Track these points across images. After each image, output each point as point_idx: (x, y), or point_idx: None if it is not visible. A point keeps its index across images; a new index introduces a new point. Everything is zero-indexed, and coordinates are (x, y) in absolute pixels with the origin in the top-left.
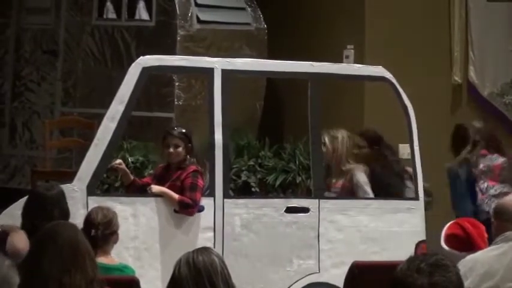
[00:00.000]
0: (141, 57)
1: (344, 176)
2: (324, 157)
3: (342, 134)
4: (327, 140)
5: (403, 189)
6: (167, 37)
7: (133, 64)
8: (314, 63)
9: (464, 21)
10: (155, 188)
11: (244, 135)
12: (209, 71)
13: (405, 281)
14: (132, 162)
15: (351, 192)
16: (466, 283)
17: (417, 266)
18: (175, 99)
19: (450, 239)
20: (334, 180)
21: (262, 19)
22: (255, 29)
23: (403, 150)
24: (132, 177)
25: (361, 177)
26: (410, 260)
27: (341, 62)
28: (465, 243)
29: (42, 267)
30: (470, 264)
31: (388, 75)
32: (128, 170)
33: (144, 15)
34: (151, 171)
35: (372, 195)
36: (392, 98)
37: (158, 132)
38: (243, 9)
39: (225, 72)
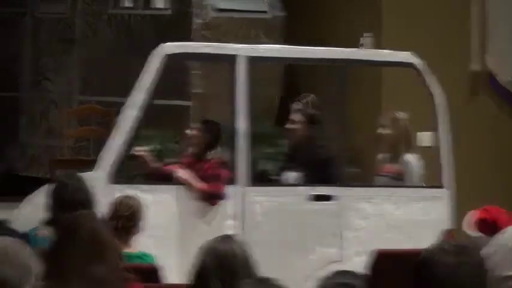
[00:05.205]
0: (163, 44)
1: (397, 160)
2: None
3: (403, 117)
4: (387, 122)
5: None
6: (183, 25)
7: (155, 51)
8: (340, 49)
9: (483, 8)
10: (180, 172)
11: (262, 124)
12: (232, 58)
13: (431, 259)
14: (150, 150)
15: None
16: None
17: (442, 247)
18: (193, 88)
19: (478, 224)
20: (389, 165)
21: (278, 7)
22: (271, 16)
23: (422, 138)
24: (158, 164)
25: (416, 166)
26: (435, 243)
27: None
28: (491, 228)
29: (64, 259)
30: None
31: (416, 61)
32: (152, 158)
33: (160, 4)
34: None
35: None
36: (412, 86)
37: (175, 121)
38: None
39: (249, 59)
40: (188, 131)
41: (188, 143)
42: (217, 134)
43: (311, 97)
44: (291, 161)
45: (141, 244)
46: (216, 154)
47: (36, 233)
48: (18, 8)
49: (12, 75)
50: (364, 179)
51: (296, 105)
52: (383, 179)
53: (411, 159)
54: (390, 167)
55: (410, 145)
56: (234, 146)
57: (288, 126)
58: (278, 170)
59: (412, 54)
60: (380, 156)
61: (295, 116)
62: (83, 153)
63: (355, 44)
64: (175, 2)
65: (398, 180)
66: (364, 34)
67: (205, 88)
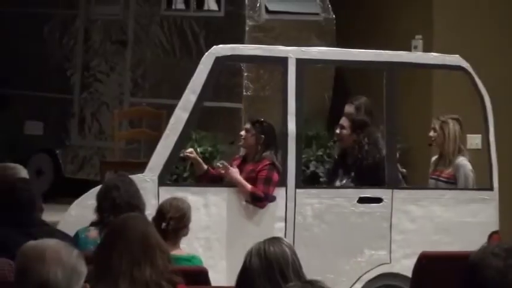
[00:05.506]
0: (214, 46)
1: (449, 163)
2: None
3: (453, 121)
4: (437, 126)
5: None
6: (236, 27)
7: (206, 54)
8: (389, 52)
9: None
10: (233, 171)
11: (313, 126)
12: (283, 60)
13: (481, 262)
14: (201, 152)
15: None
16: None
17: (492, 250)
18: (244, 90)
19: None
20: (441, 168)
21: (330, 9)
22: (323, 19)
23: (471, 140)
24: (205, 167)
25: (468, 169)
26: (484, 246)
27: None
28: None
29: (112, 261)
30: None
31: (465, 64)
32: (200, 160)
33: (213, 6)
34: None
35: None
36: (462, 89)
37: (227, 123)
38: None
39: (299, 62)
40: (242, 133)
41: (242, 144)
42: (272, 135)
43: (363, 99)
44: (341, 163)
45: (191, 246)
46: (267, 156)
47: (85, 235)
48: (71, 10)
49: (64, 77)
50: (415, 182)
51: (348, 108)
52: (434, 182)
53: (463, 162)
54: (442, 170)
55: (461, 148)
56: (284, 148)
57: (337, 131)
58: (328, 172)
59: (460, 57)
60: (432, 159)
61: (344, 121)
62: (134, 156)
63: (406, 46)
64: (228, 4)
65: (450, 183)
66: (416, 36)
67: (256, 90)
